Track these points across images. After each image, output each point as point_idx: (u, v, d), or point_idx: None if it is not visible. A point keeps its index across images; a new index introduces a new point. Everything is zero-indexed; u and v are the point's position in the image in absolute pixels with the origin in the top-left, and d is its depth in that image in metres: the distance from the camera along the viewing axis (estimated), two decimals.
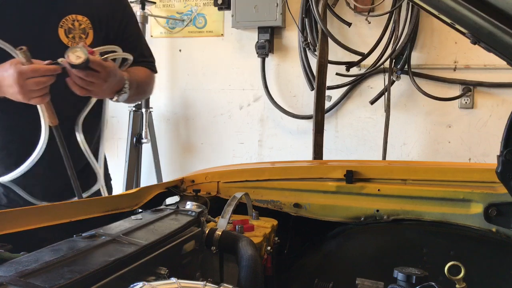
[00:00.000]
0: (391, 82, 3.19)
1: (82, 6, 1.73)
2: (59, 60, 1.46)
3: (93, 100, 1.76)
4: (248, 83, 3.69)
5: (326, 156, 3.26)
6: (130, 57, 1.72)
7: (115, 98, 1.66)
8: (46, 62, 1.47)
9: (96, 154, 1.85)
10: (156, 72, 1.97)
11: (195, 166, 3.71)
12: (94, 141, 1.86)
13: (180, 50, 3.87)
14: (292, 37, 3.54)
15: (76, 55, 1.43)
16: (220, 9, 3.67)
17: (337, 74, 3.32)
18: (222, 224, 1.27)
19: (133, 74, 1.74)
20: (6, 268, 0.76)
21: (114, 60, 1.67)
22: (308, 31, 3.34)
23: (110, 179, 2.01)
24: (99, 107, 1.84)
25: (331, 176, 1.61)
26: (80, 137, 1.74)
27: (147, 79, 1.89)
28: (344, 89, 3.42)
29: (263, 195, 1.63)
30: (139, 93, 1.83)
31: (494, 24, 0.90)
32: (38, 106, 1.58)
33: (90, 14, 1.74)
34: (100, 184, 1.83)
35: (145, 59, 1.92)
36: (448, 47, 3.20)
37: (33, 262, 0.77)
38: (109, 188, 1.98)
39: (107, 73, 1.52)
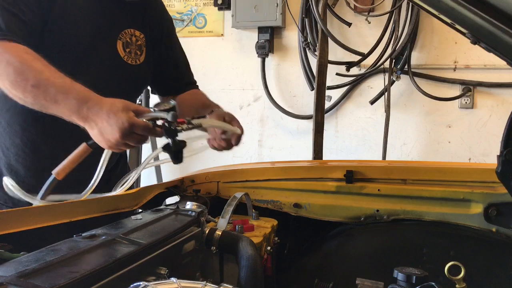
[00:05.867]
0: (391, 82, 3.19)
1: (139, 23, 1.68)
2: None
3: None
4: (248, 83, 3.69)
5: (326, 156, 3.26)
6: (238, 131, 1.61)
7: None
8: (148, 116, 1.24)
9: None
10: None
11: (195, 166, 3.70)
12: None
13: None
14: (292, 37, 3.53)
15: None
16: (220, 9, 3.68)
17: (337, 74, 3.32)
18: (222, 224, 1.27)
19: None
20: (6, 268, 0.76)
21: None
22: (308, 31, 3.34)
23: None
24: None
25: (331, 176, 1.61)
26: None
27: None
28: (344, 89, 3.42)
29: (263, 195, 1.63)
30: None
31: (494, 24, 0.90)
32: None
33: (147, 31, 1.70)
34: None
35: (194, 83, 1.94)
36: (448, 47, 3.20)
37: (33, 262, 0.77)
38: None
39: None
